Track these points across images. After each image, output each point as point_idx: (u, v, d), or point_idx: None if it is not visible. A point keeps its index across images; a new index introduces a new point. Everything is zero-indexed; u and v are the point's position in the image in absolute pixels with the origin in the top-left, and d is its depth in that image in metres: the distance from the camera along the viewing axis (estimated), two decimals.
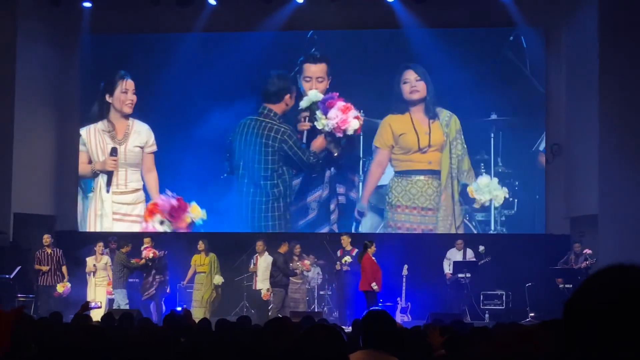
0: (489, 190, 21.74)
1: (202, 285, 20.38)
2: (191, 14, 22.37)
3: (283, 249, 19.96)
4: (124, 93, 23.04)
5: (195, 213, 22.45)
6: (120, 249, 19.90)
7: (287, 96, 22.43)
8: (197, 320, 10.65)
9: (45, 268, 20.04)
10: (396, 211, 22.14)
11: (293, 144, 22.21)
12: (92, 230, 22.76)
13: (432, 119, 22.14)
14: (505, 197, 21.64)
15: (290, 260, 20.05)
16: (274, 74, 22.52)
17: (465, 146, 21.97)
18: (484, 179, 21.78)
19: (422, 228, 22.02)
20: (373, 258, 18.28)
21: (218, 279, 20.43)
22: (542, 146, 21.90)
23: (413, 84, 22.17)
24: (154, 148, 22.93)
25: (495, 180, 21.81)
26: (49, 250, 20.12)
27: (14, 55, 21.85)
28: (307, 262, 20.21)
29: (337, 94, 22.09)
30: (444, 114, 22.11)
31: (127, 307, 18.81)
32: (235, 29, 22.77)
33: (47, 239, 20.35)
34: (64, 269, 20.16)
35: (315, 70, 22.62)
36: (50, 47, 22.86)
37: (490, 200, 21.66)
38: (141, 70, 22.93)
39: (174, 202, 22.45)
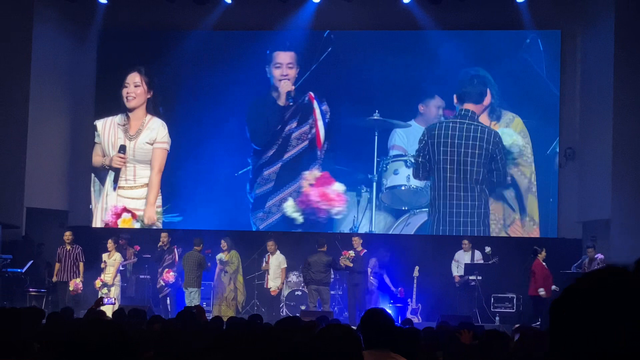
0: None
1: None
2: (206, 11, 22.42)
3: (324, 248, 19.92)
4: (137, 87, 23.09)
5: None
6: (195, 247, 19.98)
7: None
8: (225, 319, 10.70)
9: (57, 266, 20.07)
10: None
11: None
12: (97, 225, 22.79)
13: (494, 121, 22.12)
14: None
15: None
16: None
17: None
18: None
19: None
20: (543, 264, 18.42)
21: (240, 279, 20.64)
22: (552, 149, 21.87)
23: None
24: (165, 145, 22.95)
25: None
26: (68, 247, 20.14)
27: (29, 49, 21.93)
28: (350, 252, 20.07)
29: None
30: (509, 114, 22.10)
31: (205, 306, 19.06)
32: (250, 28, 22.79)
33: (68, 235, 20.33)
34: (80, 265, 20.15)
35: (284, 57, 22.73)
36: (66, 41, 22.93)
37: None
38: (156, 65, 22.96)
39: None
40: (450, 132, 22.03)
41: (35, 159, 22.00)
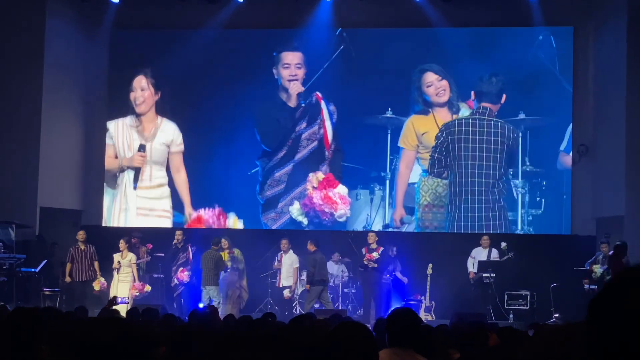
0: None
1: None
2: (217, 10, 22.42)
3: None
4: (144, 90, 23.10)
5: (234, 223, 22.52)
6: (213, 246, 20.01)
7: None
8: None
9: (68, 266, 20.11)
10: (424, 210, 22.14)
11: None
12: (115, 225, 22.83)
13: (455, 114, 22.10)
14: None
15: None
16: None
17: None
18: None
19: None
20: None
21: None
22: (563, 146, 21.82)
23: (437, 85, 22.11)
24: (182, 148, 22.97)
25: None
26: (82, 247, 20.17)
27: (42, 49, 21.99)
28: (374, 254, 20.08)
29: None
30: (465, 107, 22.07)
31: (220, 305, 19.12)
32: (261, 27, 22.78)
33: (81, 235, 20.38)
34: (96, 264, 20.20)
35: (292, 58, 22.69)
36: (78, 41, 22.95)
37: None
38: (167, 66, 22.92)
39: (215, 214, 22.50)
40: (470, 129, 21.97)
41: (48, 158, 22.04)
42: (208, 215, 22.51)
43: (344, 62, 22.46)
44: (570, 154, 21.79)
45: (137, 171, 22.96)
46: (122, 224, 22.74)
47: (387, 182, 22.17)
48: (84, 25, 23.01)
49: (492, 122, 21.85)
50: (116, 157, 23.13)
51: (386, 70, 22.24)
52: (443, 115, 22.14)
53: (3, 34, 21.93)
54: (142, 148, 22.94)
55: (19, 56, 21.94)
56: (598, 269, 19.18)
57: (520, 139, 21.80)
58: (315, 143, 22.52)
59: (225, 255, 20.51)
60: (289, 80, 22.65)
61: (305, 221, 22.17)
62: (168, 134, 22.99)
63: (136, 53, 23.29)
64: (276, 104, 22.77)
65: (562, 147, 21.84)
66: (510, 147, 21.76)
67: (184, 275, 20.11)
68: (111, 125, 23.18)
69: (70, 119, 22.94)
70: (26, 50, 21.99)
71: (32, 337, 5.09)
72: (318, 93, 22.49)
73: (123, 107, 23.15)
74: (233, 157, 22.61)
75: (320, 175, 22.08)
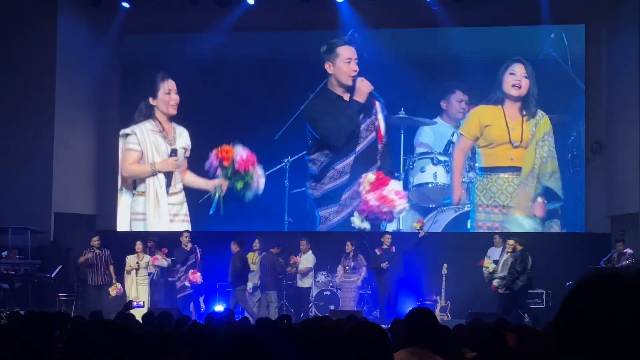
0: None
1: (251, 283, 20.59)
2: (229, 13, 22.43)
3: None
4: (167, 94, 23.07)
5: (256, 178, 22.32)
6: (271, 249, 20.06)
7: None
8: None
9: (82, 259, 20.20)
10: (477, 210, 22.09)
11: None
12: (148, 229, 22.67)
13: (526, 116, 21.96)
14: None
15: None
16: None
17: (553, 149, 21.81)
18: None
19: (504, 226, 21.86)
20: None
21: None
22: (578, 144, 21.79)
23: (518, 78, 22.02)
24: (188, 153, 23.02)
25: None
26: (97, 251, 20.23)
27: (54, 55, 22.07)
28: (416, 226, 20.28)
29: None
30: (540, 113, 21.96)
31: (277, 310, 19.24)
32: (273, 29, 22.79)
33: (95, 241, 20.42)
34: (111, 268, 20.25)
35: (352, 52, 22.55)
36: (90, 47, 22.96)
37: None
38: (178, 70, 22.94)
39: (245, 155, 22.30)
40: None
41: (61, 163, 22.11)
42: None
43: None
44: None
45: (170, 176, 22.92)
46: (155, 229, 22.61)
47: (401, 182, 22.05)
48: (95, 30, 23.03)
49: None
50: (140, 160, 23.02)
51: (396, 70, 22.15)
52: (512, 113, 21.99)
53: (15, 41, 22.01)
54: (174, 152, 22.90)
55: (31, 62, 22.03)
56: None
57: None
58: (374, 134, 22.40)
59: (251, 257, 20.59)
60: (352, 77, 22.51)
61: (368, 226, 21.95)
62: (185, 139, 22.99)
63: (148, 57, 23.29)
64: (330, 99, 22.60)
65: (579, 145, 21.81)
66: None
67: (196, 276, 20.10)
68: (137, 130, 23.06)
69: (83, 124, 22.98)
70: (38, 56, 22.08)
71: (44, 338, 5.11)
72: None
73: (141, 113, 23.09)
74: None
75: (370, 176, 21.80)
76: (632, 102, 20.27)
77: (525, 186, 21.73)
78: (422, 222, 20.94)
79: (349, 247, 20.62)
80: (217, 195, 22.07)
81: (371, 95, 22.38)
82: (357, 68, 22.39)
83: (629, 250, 19.25)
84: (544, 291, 20.13)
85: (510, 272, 18.81)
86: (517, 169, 21.85)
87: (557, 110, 21.82)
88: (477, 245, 20.89)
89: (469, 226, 22.05)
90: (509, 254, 19.20)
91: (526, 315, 19.84)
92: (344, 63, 22.50)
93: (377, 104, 22.36)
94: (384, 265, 19.69)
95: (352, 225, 21.97)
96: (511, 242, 19.43)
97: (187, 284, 20.17)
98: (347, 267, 20.57)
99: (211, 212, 22.47)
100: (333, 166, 22.41)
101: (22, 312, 10.49)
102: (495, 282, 19.14)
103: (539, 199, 21.58)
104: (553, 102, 21.85)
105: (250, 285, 20.22)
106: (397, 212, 21.69)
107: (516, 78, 21.97)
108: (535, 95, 21.86)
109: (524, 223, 21.69)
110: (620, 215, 20.89)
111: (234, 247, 19.89)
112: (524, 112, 21.91)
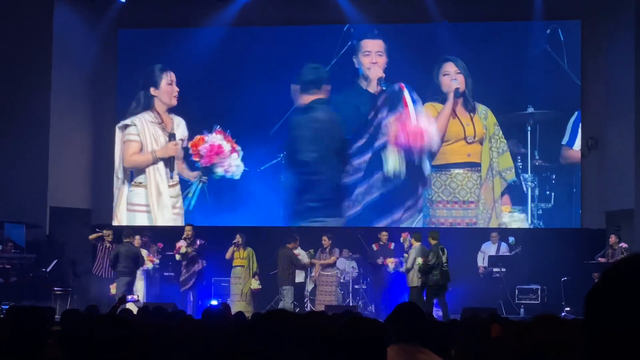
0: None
1: (240, 279, 20.35)
2: (227, 7, 22.43)
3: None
4: (170, 85, 23.06)
5: (233, 163, 22.40)
6: (287, 244, 20.01)
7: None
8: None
9: (94, 236, 20.24)
10: (437, 207, 22.07)
11: None
12: (159, 224, 22.80)
13: (471, 112, 22.02)
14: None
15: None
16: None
17: (505, 141, 21.83)
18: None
19: (466, 222, 21.88)
20: None
21: (254, 283, 20.37)
22: (565, 140, 21.79)
23: (453, 76, 22.04)
24: (186, 143, 22.99)
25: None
26: (107, 245, 20.21)
27: (50, 49, 22.02)
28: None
29: None
30: (481, 107, 22.01)
31: (292, 305, 19.20)
32: (271, 23, 22.78)
33: (108, 235, 20.40)
34: None
35: (373, 45, 22.54)
36: (87, 40, 22.94)
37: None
38: (176, 64, 22.96)
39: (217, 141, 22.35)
40: None
41: (57, 157, 22.06)
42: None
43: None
44: (574, 147, 21.75)
45: (172, 161, 22.85)
46: (169, 223, 22.65)
47: None
48: (92, 24, 23.00)
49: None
50: (141, 150, 23.00)
51: (393, 66, 22.18)
52: (460, 110, 22.06)
53: (12, 35, 21.95)
54: (172, 137, 22.87)
55: (27, 56, 21.97)
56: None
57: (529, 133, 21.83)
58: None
59: (237, 253, 20.49)
60: (368, 68, 22.49)
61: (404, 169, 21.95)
62: (183, 130, 22.97)
63: (145, 51, 23.29)
64: (356, 91, 22.58)
65: (564, 141, 21.81)
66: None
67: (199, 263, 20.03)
68: (137, 121, 23.04)
69: (79, 118, 22.95)
70: (34, 50, 22.02)
71: (37, 334, 5.10)
72: (402, 83, 22.27)
73: (139, 105, 23.07)
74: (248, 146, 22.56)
75: None
76: (628, 98, 20.28)
77: (487, 182, 21.76)
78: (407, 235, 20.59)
79: (325, 241, 20.58)
80: (195, 188, 22.07)
81: (399, 91, 22.24)
82: (377, 60, 22.35)
83: (624, 245, 19.28)
84: (539, 286, 20.17)
85: (412, 265, 18.58)
86: (475, 165, 21.90)
87: (553, 106, 21.84)
88: (472, 241, 20.92)
89: (421, 223, 22.02)
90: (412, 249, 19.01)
91: (522, 310, 19.90)
92: (363, 56, 22.50)
93: (408, 100, 22.14)
94: (380, 260, 19.73)
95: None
96: (404, 235, 19.64)
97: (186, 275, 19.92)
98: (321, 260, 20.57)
99: (190, 207, 22.57)
100: (350, 161, 22.43)
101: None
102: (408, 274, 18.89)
103: (505, 195, 21.63)
104: (548, 97, 21.86)
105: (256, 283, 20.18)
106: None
107: (451, 76, 22.06)
108: (470, 88, 21.92)
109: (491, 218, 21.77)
110: (615, 210, 20.92)
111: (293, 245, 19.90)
112: (468, 108, 22.00)
